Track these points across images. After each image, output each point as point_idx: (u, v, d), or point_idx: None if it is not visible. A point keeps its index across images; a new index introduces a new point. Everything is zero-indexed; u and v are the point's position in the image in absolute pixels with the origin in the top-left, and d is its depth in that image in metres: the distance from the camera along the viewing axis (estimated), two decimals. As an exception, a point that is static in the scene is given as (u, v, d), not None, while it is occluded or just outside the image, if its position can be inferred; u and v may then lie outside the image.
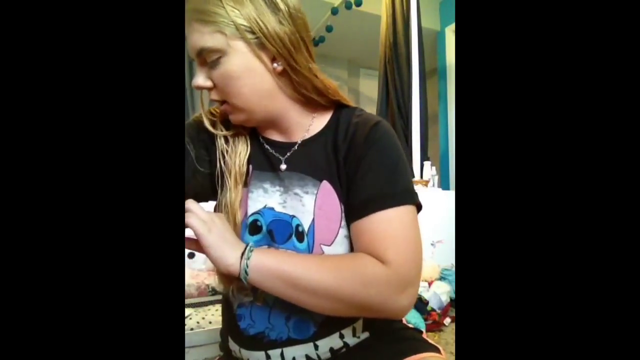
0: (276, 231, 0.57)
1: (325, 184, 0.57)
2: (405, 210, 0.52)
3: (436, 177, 2.53)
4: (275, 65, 0.53)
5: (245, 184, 0.60)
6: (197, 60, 0.53)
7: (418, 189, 2.24)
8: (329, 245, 0.55)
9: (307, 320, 0.56)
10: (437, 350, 0.57)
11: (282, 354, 0.56)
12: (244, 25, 0.50)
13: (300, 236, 0.57)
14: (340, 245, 0.55)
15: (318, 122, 0.61)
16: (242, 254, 0.48)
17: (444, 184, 3.01)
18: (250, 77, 0.53)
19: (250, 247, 0.49)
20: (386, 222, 0.51)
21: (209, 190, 0.62)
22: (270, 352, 0.56)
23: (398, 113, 2.61)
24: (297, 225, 0.57)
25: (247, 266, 0.48)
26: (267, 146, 0.61)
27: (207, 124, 0.60)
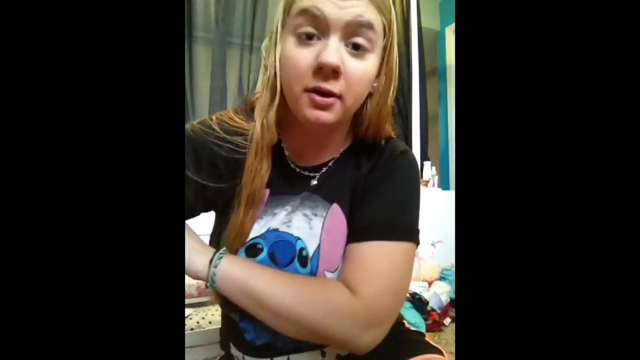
0: (278, 253, 0.53)
1: (335, 208, 0.54)
2: (402, 247, 0.49)
3: (436, 177, 2.53)
4: (374, 84, 0.52)
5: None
6: (342, 33, 0.45)
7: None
8: (333, 272, 0.52)
9: None
10: (440, 352, 0.56)
11: None
12: (392, 33, 0.49)
13: (303, 261, 0.53)
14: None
15: (346, 144, 0.58)
16: (211, 260, 0.46)
17: (444, 184, 3.01)
18: (368, 83, 0.49)
19: (220, 254, 0.47)
20: (376, 254, 0.48)
21: (208, 202, 0.56)
22: (276, 359, 0.54)
23: (398, 113, 2.61)
24: (302, 249, 0.53)
25: (214, 274, 0.46)
26: (293, 166, 0.56)
27: (236, 137, 0.53)
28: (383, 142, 0.57)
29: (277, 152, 0.55)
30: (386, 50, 0.49)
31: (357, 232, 0.51)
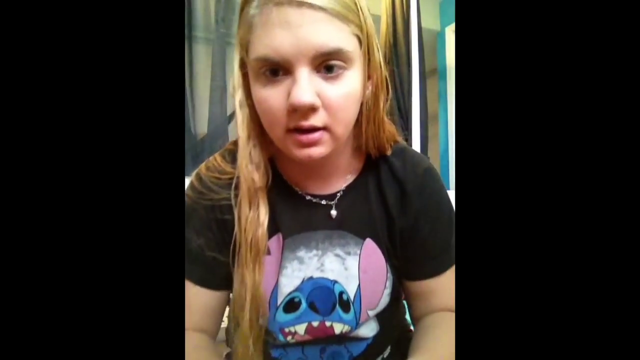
0: (318, 301, 0.49)
1: (369, 243, 0.50)
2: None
3: (436, 177, 2.52)
4: (368, 90, 0.45)
5: (268, 252, 0.49)
6: (311, 65, 0.39)
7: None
8: (374, 309, 0.51)
9: (343, 352, 0.52)
10: None
11: None
12: (369, 35, 0.41)
13: (345, 306, 0.50)
14: (383, 304, 0.52)
15: (358, 164, 0.52)
16: None
17: (444, 184, 3.01)
18: (355, 101, 0.43)
19: None
20: (449, 281, 0.50)
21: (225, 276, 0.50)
22: None
23: (398, 113, 2.61)
24: (341, 293, 0.50)
25: None
26: (309, 197, 0.50)
27: (211, 184, 0.48)
28: (390, 151, 0.52)
29: (280, 187, 0.50)
30: (367, 55, 0.43)
31: (427, 268, 0.51)
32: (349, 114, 0.43)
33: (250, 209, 0.45)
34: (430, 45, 3.28)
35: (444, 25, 3.43)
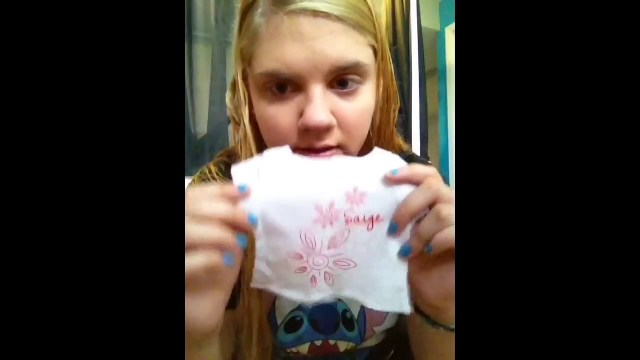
0: (321, 320, 0.48)
1: None
2: None
3: (436, 177, 2.52)
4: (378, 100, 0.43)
5: None
6: (325, 81, 0.36)
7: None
8: (381, 325, 0.50)
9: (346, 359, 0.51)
10: None
11: None
12: (383, 44, 0.39)
13: (349, 324, 0.48)
14: (390, 319, 0.50)
15: None
16: None
17: (444, 184, 3.00)
18: (369, 116, 0.41)
19: None
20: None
21: None
22: None
23: (398, 113, 2.61)
24: (345, 312, 0.48)
25: None
26: None
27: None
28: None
29: None
30: (380, 67, 0.41)
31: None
32: (364, 130, 0.41)
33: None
34: (430, 45, 3.28)
35: (444, 25, 3.43)
